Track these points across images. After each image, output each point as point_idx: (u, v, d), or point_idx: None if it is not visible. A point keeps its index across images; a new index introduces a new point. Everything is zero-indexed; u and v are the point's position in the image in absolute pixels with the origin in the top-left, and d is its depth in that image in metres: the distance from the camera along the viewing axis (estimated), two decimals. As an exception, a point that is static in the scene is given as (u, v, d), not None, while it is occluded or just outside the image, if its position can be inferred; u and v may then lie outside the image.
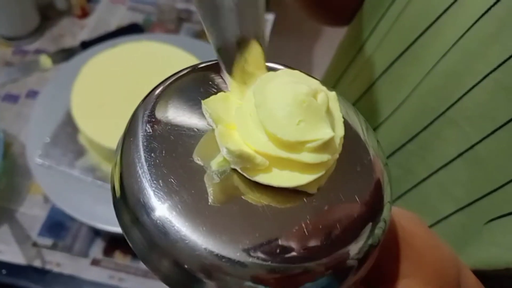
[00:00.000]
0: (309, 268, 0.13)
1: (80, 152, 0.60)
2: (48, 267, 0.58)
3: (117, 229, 0.54)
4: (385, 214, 0.15)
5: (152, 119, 0.16)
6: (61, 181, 0.58)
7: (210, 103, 0.16)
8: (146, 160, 0.14)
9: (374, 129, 0.37)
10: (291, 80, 0.15)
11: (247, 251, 0.13)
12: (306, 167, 0.14)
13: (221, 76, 0.17)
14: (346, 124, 0.16)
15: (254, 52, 0.16)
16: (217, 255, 0.13)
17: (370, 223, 0.14)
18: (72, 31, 0.81)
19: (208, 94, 0.16)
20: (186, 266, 0.13)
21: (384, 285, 0.18)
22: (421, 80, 0.32)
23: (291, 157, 0.14)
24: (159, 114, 0.16)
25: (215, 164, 0.15)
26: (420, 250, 0.19)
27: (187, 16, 0.86)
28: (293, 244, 0.13)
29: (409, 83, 0.33)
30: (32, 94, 0.72)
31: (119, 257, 0.59)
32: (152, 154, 0.15)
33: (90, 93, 0.60)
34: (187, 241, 0.13)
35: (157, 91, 0.16)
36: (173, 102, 0.16)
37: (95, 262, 0.59)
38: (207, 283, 0.13)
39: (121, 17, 0.84)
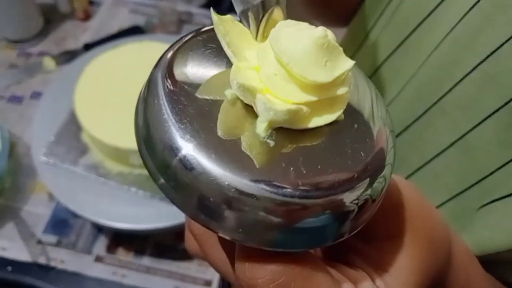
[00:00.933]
0: (312, 204, 0.14)
1: (83, 150, 0.62)
2: (52, 264, 0.59)
3: (119, 224, 0.55)
4: (385, 172, 0.16)
5: (170, 76, 0.17)
6: (65, 179, 0.59)
7: (233, 40, 0.17)
8: (170, 108, 0.16)
9: None
10: (301, 27, 0.16)
11: (260, 184, 0.14)
12: (335, 102, 0.16)
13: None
14: (358, 91, 0.17)
15: (276, 16, 0.17)
16: (236, 189, 0.14)
17: (372, 176, 0.15)
18: (75, 34, 0.82)
19: (216, 52, 0.18)
20: (210, 199, 0.14)
21: (376, 242, 0.19)
22: (415, 72, 0.33)
23: (328, 96, 0.15)
24: (176, 71, 0.17)
25: (228, 94, 0.16)
26: (413, 211, 0.19)
27: (187, 18, 0.87)
28: (301, 181, 0.14)
29: (404, 75, 0.34)
30: (36, 95, 0.74)
31: (122, 254, 0.60)
32: (175, 104, 0.16)
33: (93, 92, 0.61)
34: (210, 176, 0.14)
35: (169, 54, 0.18)
36: (186, 61, 0.17)
37: (98, 259, 0.60)
38: (229, 213, 0.14)
39: (123, 19, 0.85)
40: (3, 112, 0.71)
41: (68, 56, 0.77)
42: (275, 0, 0.17)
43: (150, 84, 0.17)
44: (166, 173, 0.15)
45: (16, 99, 0.73)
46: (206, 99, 0.16)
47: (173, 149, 0.15)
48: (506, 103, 0.27)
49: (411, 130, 0.34)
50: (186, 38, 0.19)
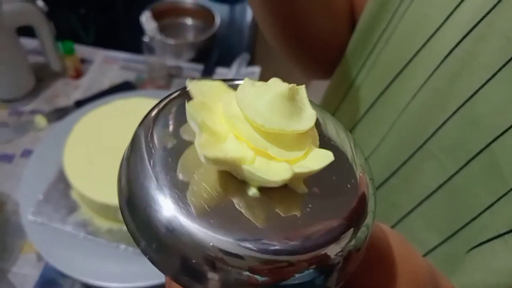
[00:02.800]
0: (298, 260, 0.14)
1: (72, 207, 0.61)
2: (39, 327, 0.57)
3: (109, 284, 0.54)
4: (368, 221, 0.16)
5: (153, 135, 0.17)
6: (53, 238, 0.58)
7: (194, 110, 0.17)
8: (152, 168, 0.16)
9: None
10: (268, 84, 0.17)
11: (244, 244, 0.14)
12: (291, 158, 0.16)
13: None
14: (336, 141, 0.17)
15: None
16: (220, 249, 0.14)
17: (354, 227, 0.15)
18: (67, 91, 0.84)
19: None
20: (192, 260, 0.14)
21: None
22: (397, 117, 0.34)
23: (276, 148, 0.16)
24: (159, 131, 0.17)
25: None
26: (398, 261, 0.20)
27: (177, 72, 0.89)
28: (286, 238, 0.14)
29: (387, 121, 0.36)
30: (27, 153, 0.74)
31: (112, 314, 0.58)
32: (157, 164, 0.16)
33: (82, 149, 0.62)
34: (194, 238, 0.14)
35: (153, 113, 0.18)
36: (170, 120, 0.18)
37: (87, 320, 0.58)
38: (213, 275, 0.14)
39: (114, 76, 0.87)
40: (-7, 171, 0.71)
41: (59, 114, 0.79)
42: None
43: (133, 143, 0.17)
44: (147, 234, 0.15)
45: (6, 158, 0.73)
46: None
47: (155, 210, 0.15)
48: (488, 145, 0.28)
49: (399, 174, 0.34)
50: (172, 96, 0.19)
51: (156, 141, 0.17)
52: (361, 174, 0.17)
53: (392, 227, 0.35)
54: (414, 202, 0.33)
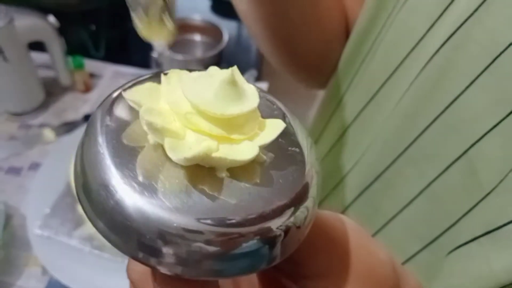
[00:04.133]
0: (244, 232, 0.16)
1: (78, 221, 0.61)
2: None
3: (113, 299, 0.54)
4: (308, 203, 0.17)
5: (109, 115, 0.18)
6: (59, 252, 0.58)
7: (148, 115, 0.17)
8: (106, 147, 0.16)
9: (348, 172, 0.39)
10: (211, 72, 0.18)
11: (194, 219, 0.15)
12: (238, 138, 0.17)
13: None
14: (294, 136, 0.19)
15: (163, 9, 0.19)
16: (176, 225, 0.15)
17: (295, 206, 0.17)
18: (75, 105, 0.85)
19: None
20: (146, 236, 0.15)
21: (312, 280, 0.20)
22: (383, 124, 0.35)
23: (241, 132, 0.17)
24: (113, 116, 0.18)
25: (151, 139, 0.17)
26: (350, 249, 0.20)
27: (185, 87, 0.90)
28: (232, 213, 0.16)
29: (374, 127, 0.36)
30: (35, 166, 0.74)
31: (115, 330, 0.58)
32: (111, 142, 0.17)
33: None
34: (147, 215, 0.15)
35: (114, 94, 0.19)
36: (125, 105, 0.18)
37: (91, 336, 0.57)
38: (169, 249, 0.15)
39: (122, 90, 0.88)
40: (1, 183, 0.71)
41: (67, 127, 0.79)
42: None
43: (88, 126, 0.18)
44: (103, 217, 0.16)
45: (14, 170, 0.74)
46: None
47: (108, 192, 0.16)
48: (465, 151, 0.28)
49: (382, 179, 0.35)
50: (138, 80, 0.19)
51: (110, 125, 0.17)
52: (308, 168, 0.18)
53: (376, 233, 0.36)
54: (396, 208, 0.34)
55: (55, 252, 0.58)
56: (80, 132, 0.72)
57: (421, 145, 0.31)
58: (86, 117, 0.80)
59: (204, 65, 0.93)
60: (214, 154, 0.16)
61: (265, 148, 0.18)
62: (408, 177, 0.32)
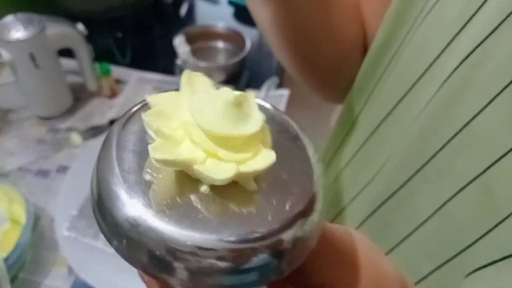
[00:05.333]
0: (253, 248, 0.16)
1: (104, 224, 0.63)
2: None
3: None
4: (314, 217, 0.18)
5: (124, 136, 0.18)
6: (85, 253, 0.60)
7: (150, 118, 0.18)
8: (118, 164, 0.17)
9: (364, 188, 0.40)
10: (220, 91, 0.19)
11: (204, 237, 0.16)
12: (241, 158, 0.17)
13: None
14: (300, 153, 0.19)
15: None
16: (180, 242, 0.16)
17: (301, 220, 0.17)
18: (102, 110, 0.87)
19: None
20: (157, 253, 0.16)
21: None
22: (399, 141, 0.35)
23: (227, 150, 0.17)
24: (129, 133, 0.19)
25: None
26: (359, 262, 0.21)
27: (207, 94, 0.92)
28: (247, 228, 0.16)
29: (390, 144, 0.36)
30: (62, 169, 0.77)
31: (138, 331, 0.59)
32: (124, 162, 0.17)
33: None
34: (156, 233, 0.16)
35: (133, 109, 0.20)
36: (140, 122, 0.19)
37: (114, 336, 0.59)
38: (176, 265, 0.16)
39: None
40: (30, 185, 0.74)
41: (94, 132, 0.82)
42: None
43: (105, 142, 0.19)
44: (116, 232, 0.17)
45: (42, 173, 0.76)
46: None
47: (121, 209, 0.16)
48: (482, 172, 0.28)
49: (397, 197, 0.35)
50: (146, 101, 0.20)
51: (125, 142, 0.18)
52: (314, 182, 0.19)
53: (389, 251, 0.36)
54: (410, 226, 0.33)
55: (81, 253, 0.60)
56: (106, 136, 0.74)
57: (436, 164, 0.31)
58: (112, 122, 0.82)
59: (227, 71, 0.94)
60: (195, 166, 0.17)
61: (277, 164, 0.18)
62: (423, 196, 0.32)
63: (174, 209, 0.16)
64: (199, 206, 0.17)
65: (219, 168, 0.17)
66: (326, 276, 0.20)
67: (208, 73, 0.94)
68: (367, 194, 0.39)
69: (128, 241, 0.16)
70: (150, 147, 0.17)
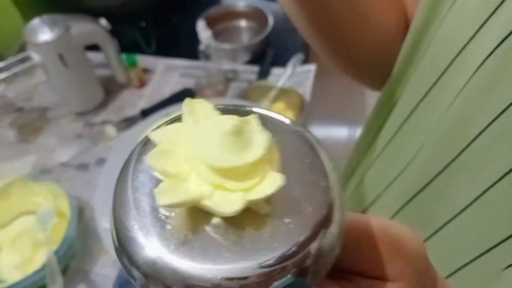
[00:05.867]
0: (274, 271, 0.16)
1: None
2: (119, 323, 0.62)
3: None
4: (332, 228, 0.18)
5: (136, 174, 0.19)
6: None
7: (153, 160, 0.18)
8: (134, 209, 0.18)
9: (399, 174, 0.39)
10: (219, 121, 0.18)
11: (225, 270, 0.16)
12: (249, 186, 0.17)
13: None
14: (305, 162, 0.19)
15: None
16: (200, 277, 0.16)
17: (320, 234, 0.17)
18: (133, 101, 0.89)
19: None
20: None
21: (371, 282, 0.21)
22: (433, 128, 0.34)
23: (232, 182, 0.17)
24: (141, 168, 0.19)
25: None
26: (410, 257, 0.21)
27: (233, 75, 0.92)
28: (258, 256, 0.16)
29: (424, 131, 0.35)
30: (101, 161, 0.80)
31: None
32: (138, 203, 0.18)
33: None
34: (174, 270, 0.16)
35: (141, 145, 0.20)
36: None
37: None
38: None
39: (174, 83, 0.92)
40: (72, 179, 0.78)
41: (127, 123, 0.84)
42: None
43: (119, 179, 0.19)
44: (136, 270, 0.17)
45: (83, 167, 0.80)
46: None
47: (138, 248, 0.17)
48: None
49: (432, 186, 0.34)
50: (162, 127, 0.20)
51: (138, 182, 0.18)
52: (329, 194, 0.18)
53: (428, 238, 0.35)
54: (448, 214, 0.33)
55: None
56: (139, 127, 0.76)
57: (474, 152, 0.30)
58: (143, 112, 0.85)
59: (251, 51, 0.94)
60: (204, 202, 0.17)
61: (290, 181, 0.18)
62: (460, 185, 0.31)
63: (192, 245, 0.17)
64: (215, 237, 0.17)
65: (227, 200, 0.17)
66: (380, 268, 0.21)
67: (232, 54, 0.95)
68: (401, 183, 0.39)
69: (149, 281, 0.17)
70: (156, 191, 0.17)
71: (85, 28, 0.79)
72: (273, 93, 0.85)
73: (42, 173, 0.78)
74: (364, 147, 0.48)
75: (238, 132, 0.18)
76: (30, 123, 0.86)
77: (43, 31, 0.73)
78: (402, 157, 0.38)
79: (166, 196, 0.17)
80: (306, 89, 0.88)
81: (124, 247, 0.17)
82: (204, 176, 0.17)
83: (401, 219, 0.39)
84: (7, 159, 0.81)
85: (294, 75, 0.87)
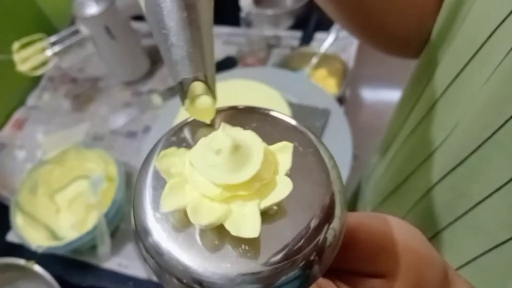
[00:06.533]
0: (280, 267, 0.17)
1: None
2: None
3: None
4: (334, 224, 0.18)
5: (156, 171, 0.19)
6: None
7: (163, 160, 0.19)
8: (150, 204, 0.19)
9: (434, 151, 0.38)
10: (215, 136, 0.19)
11: (229, 265, 0.17)
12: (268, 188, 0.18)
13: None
14: (308, 161, 0.20)
15: (196, 90, 0.20)
16: (206, 273, 0.17)
17: (322, 230, 0.18)
18: (177, 70, 0.92)
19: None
20: (184, 281, 0.17)
21: (367, 280, 0.21)
22: (469, 103, 0.33)
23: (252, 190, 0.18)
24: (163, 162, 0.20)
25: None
26: (397, 252, 0.21)
27: (276, 42, 0.91)
28: (262, 255, 0.17)
29: (459, 108, 0.34)
30: (147, 129, 0.84)
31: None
32: (154, 198, 0.19)
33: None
34: (179, 262, 0.17)
35: (162, 143, 0.21)
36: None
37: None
38: None
39: (217, 51, 0.92)
40: (121, 147, 0.83)
41: (172, 92, 0.87)
42: (191, 79, 0.19)
43: (140, 174, 0.20)
44: (151, 258, 0.18)
45: (131, 135, 0.85)
46: None
47: (154, 241, 0.18)
48: None
49: (467, 164, 0.33)
50: (179, 126, 0.21)
51: (156, 179, 0.19)
52: (331, 189, 0.19)
53: (460, 217, 0.35)
54: (483, 193, 0.32)
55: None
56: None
57: (510, 130, 0.29)
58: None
59: (295, 16, 0.92)
60: (262, 205, 0.18)
61: (293, 174, 0.18)
62: (496, 163, 0.30)
63: (205, 241, 0.18)
64: (226, 233, 0.18)
65: (246, 217, 0.18)
66: (368, 265, 0.21)
67: (275, 20, 0.93)
68: (435, 160, 0.38)
69: (163, 271, 0.18)
70: (190, 215, 0.18)
71: (130, 0, 0.81)
72: (315, 60, 0.83)
73: (94, 140, 0.84)
74: (399, 122, 0.47)
75: (236, 148, 0.18)
76: (83, 93, 0.91)
77: (89, 5, 0.76)
78: (436, 135, 0.37)
79: (198, 218, 0.17)
80: (349, 55, 0.86)
81: (140, 236, 0.18)
82: (219, 198, 0.18)
83: (433, 197, 0.38)
84: (64, 127, 0.87)
85: (338, 40, 0.85)
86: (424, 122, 0.40)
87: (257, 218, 0.17)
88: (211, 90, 0.20)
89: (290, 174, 0.19)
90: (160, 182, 0.19)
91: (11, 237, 0.75)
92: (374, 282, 0.21)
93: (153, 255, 0.18)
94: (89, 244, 0.67)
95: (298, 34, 0.92)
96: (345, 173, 0.65)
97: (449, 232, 0.37)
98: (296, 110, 0.71)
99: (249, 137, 0.19)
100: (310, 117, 0.71)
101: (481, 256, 0.33)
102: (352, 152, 0.67)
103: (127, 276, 0.68)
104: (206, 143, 0.19)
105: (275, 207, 0.18)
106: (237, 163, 0.18)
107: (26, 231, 0.68)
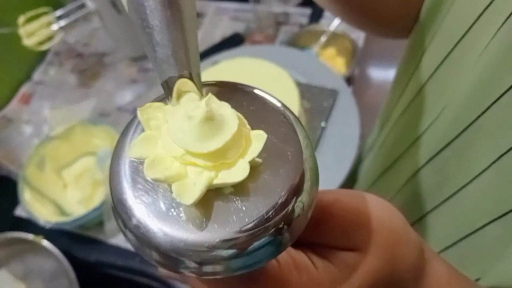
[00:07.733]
0: (252, 233, 0.18)
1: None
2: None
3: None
4: (303, 197, 0.19)
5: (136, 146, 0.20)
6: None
7: (146, 110, 0.20)
8: (126, 180, 0.19)
9: (421, 135, 0.38)
10: (193, 107, 0.19)
11: (206, 233, 0.18)
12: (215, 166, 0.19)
13: None
14: (292, 134, 0.20)
15: (183, 87, 0.20)
16: (185, 241, 0.18)
17: (292, 201, 0.19)
18: (184, 46, 0.90)
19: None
20: (161, 250, 0.18)
21: (340, 253, 0.22)
22: (457, 87, 0.32)
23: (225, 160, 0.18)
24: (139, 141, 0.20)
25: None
26: (372, 227, 0.22)
27: (284, 19, 0.90)
28: (238, 220, 0.18)
29: (449, 90, 0.34)
30: (154, 106, 0.84)
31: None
32: (131, 174, 0.19)
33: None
34: (156, 232, 0.18)
35: (135, 122, 0.21)
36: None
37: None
38: (183, 260, 0.18)
39: (225, 27, 0.91)
40: (128, 123, 0.82)
41: (178, 69, 0.86)
42: (177, 77, 0.19)
43: (116, 149, 0.20)
44: (130, 234, 0.18)
45: (138, 111, 0.84)
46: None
47: (129, 213, 0.18)
48: None
49: (452, 147, 0.33)
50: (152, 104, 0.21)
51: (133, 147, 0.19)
52: (303, 166, 0.20)
53: (444, 201, 0.35)
54: (467, 177, 0.32)
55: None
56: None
57: (494, 115, 0.29)
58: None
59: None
60: (215, 181, 0.18)
61: (267, 152, 0.19)
62: (479, 148, 0.30)
63: (180, 213, 0.18)
64: (204, 202, 0.18)
65: (233, 172, 0.18)
66: (343, 239, 0.22)
67: (284, -4, 0.91)
68: (423, 143, 0.38)
69: (141, 244, 0.18)
70: (176, 196, 0.18)
71: (135, -26, 0.79)
72: (323, 39, 0.82)
73: (100, 116, 0.83)
74: (392, 105, 0.47)
75: (210, 117, 0.18)
76: (89, 68, 0.91)
77: (95, -21, 0.75)
78: (427, 115, 0.37)
79: (185, 196, 0.18)
80: (359, 34, 0.84)
81: (117, 211, 0.19)
82: (202, 164, 0.18)
83: (420, 180, 0.39)
84: (70, 103, 0.86)
85: (348, 18, 0.83)
86: (413, 105, 0.40)
87: (201, 190, 0.18)
88: (197, 87, 0.20)
89: (266, 152, 0.19)
90: (137, 163, 0.19)
91: (19, 211, 0.76)
92: (346, 255, 0.22)
93: (130, 227, 0.18)
94: (96, 220, 0.68)
95: (307, 11, 0.90)
96: (352, 152, 0.65)
97: (433, 215, 0.37)
98: (304, 90, 0.70)
99: (228, 115, 0.19)
100: (318, 97, 0.71)
101: (461, 240, 0.33)
102: (360, 132, 0.67)
103: (133, 252, 0.69)
104: (187, 107, 0.19)
105: (231, 188, 0.19)
106: (204, 134, 0.18)
107: (34, 206, 0.68)
